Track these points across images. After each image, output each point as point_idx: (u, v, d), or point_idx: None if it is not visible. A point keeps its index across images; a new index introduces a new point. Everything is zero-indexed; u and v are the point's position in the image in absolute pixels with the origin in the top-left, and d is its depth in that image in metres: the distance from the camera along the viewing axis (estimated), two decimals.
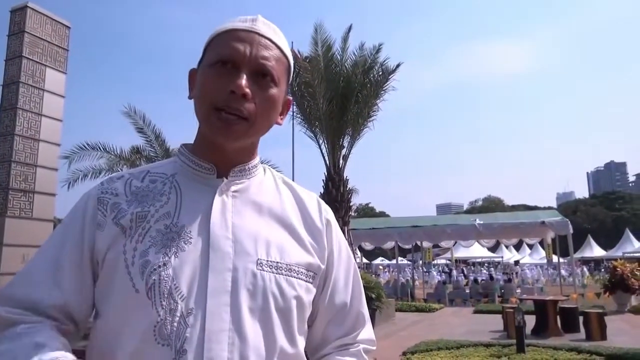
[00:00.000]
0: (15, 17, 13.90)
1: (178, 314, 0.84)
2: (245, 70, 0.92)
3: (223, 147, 0.97)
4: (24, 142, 13.59)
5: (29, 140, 13.72)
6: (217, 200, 0.95)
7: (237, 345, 0.84)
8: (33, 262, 0.94)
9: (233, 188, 0.99)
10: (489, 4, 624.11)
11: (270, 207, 1.01)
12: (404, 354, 7.68)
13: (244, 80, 0.91)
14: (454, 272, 29.30)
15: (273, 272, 0.91)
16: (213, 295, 0.85)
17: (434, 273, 30.82)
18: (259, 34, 0.96)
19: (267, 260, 0.92)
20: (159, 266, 0.87)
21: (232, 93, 0.90)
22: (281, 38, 1.00)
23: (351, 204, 13.98)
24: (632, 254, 33.42)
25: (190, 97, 1.00)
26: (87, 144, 12.56)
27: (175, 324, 0.83)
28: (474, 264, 44.02)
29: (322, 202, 1.11)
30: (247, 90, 0.91)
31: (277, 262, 0.93)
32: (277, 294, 0.90)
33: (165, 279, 0.86)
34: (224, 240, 0.91)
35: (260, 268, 0.90)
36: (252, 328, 0.86)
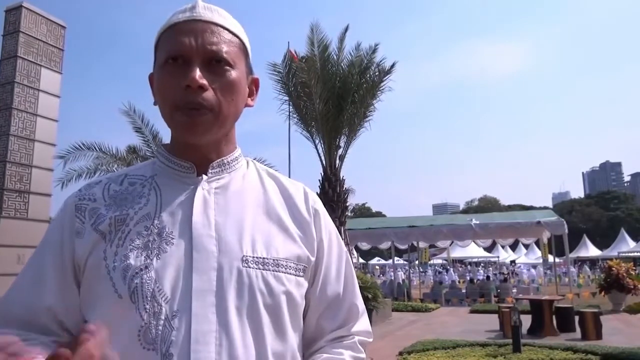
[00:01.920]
0: (10, 17, 13.85)
1: (163, 317, 0.82)
2: (196, 61, 0.90)
3: (195, 144, 0.95)
4: (19, 143, 13.53)
5: (24, 141, 13.66)
6: (198, 199, 0.93)
7: (225, 345, 0.82)
8: (19, 277, 0.94)
9: (214, 185, 0.96)
10: (487, 3, 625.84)
11: (255, 200, 0.98)
12: (401, 353, 7.69)
13: (197, 73, 0.88)
14: (451, 271, 29.61)
15: (259, 269, 0.88)
16: (198, 296, 0.83)
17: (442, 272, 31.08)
18: (201, 20, 0.93)
19: (253, 257, 0.89)
20: (141, 269, 0.85)
21: (188, 87, 0.88)
22: (227, 19, 0.97)
23: (347, 204, 14.00)
24: (627, 254, 33.61)
25: (155, 104, 0.98)
26: (83, 144, 12.49)
27: (160, 328, 0.81)
28: (470, 263, 44.09)
29: (310, 192, 1.07)
30: (202, 81, 0.89)
31: (264, 258, 0.90)
32: (264, 290, 0.87)
33: (148, 281, 0.84)
34: (207, 239, 0.88)
35: (246, 265, 0.88)
36: (240, 327, 0.84)
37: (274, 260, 0.91)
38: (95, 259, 0.88)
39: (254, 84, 1.04)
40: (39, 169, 13.89)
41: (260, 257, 0.90)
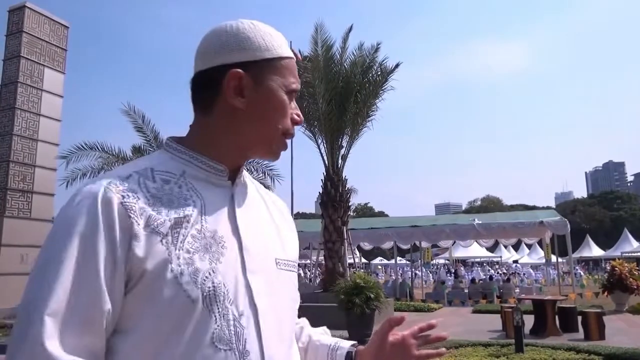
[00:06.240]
0: (14, 17, 13.87)
1: (231, 318, 0.86)
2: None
3: (258, 159, 1.06)
4: (23, 142, 13.59)
5: (28, 140, 13.71)
6: (237, 203, 0.98)
7: (285, 339, 0.94)
8: (56, 280, 0.78)
9: (242, 190, 1.03)
10: (489, 3, 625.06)
11: (264, 207, 1.06)
12: None
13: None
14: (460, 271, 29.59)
15: (287, 270, 1.00)
16: (258, 296, 0.90)
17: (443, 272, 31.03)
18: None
19: (282, 259, 1.00)
20: (210, 273, 0.85)
21: (296, 123, 1.02)
22: None
23: (350, 203, 13.98)
24: (630, 254, 33.49)
25: (237, 104, 0.94)
26: (85, 144, 12.53)
27: (232, 328, 0.86)
28: (472, 264, 44.04)
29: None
30: None
31: (287, 260, 1.01)
32: (292, 289, 1.00)
33: (218, 285, 0.86)
34: (252, 242, 0.95)
35: (279, 267, 0.98)
36: (289, 322, 0.98)
37: (292, 262, 1.03)
38: (155, 263, 0.82)
39: None
40: (42, 169, 13.96)
41: (285, 259, 1.01)
